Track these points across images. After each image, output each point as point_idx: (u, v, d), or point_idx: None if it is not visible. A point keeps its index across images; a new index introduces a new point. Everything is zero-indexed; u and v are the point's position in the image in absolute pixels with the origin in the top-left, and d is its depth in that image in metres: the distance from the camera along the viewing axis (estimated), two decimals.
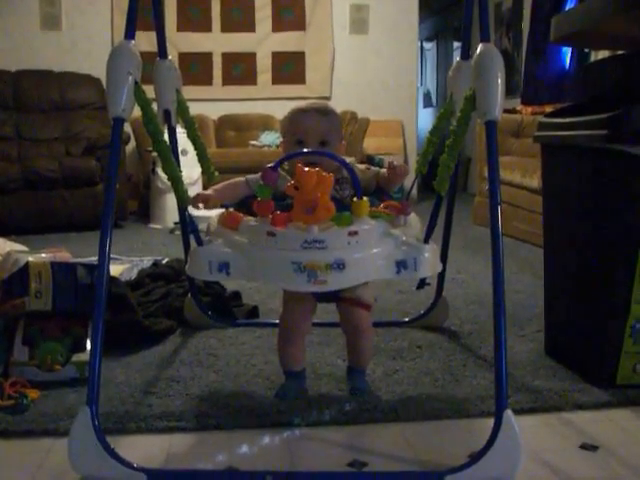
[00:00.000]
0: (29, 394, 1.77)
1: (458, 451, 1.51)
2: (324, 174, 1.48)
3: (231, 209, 1.68)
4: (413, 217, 1.71)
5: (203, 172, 2.18)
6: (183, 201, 1.73)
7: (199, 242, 1.67)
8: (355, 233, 1.51)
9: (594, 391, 1.83)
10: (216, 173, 2.12)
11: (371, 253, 1.55)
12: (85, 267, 2.08)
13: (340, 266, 1.49)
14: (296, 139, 1.74)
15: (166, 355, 2.17)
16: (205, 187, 2.19)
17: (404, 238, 1.59)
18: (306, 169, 1.48)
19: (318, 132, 1.73)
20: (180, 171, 1.71)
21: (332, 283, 1.51)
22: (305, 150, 1.67)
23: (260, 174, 1.59)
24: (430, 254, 1.60)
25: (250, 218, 1.61)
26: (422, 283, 2.22)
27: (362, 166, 1.81)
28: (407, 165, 1.75)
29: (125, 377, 1.97)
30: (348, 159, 1.74)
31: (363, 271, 1.56)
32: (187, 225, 1.99)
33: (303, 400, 1.79)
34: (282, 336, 1.83)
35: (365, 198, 1.55)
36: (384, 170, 1.80)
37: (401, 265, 1.56)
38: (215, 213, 1.76)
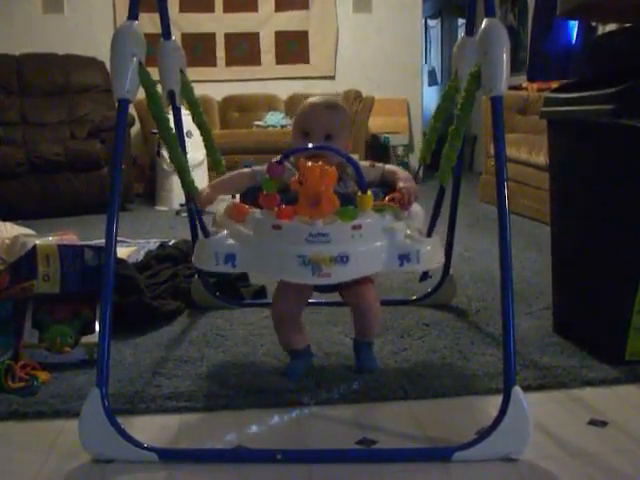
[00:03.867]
0: (40, 376, 1.79)
1: (467, 428, 1.52)
2: (327, 168, 1.50)
3: (237, 200, 1.68)
4: (416, 208, 1.73)
5: (210, 161, 2.17)
6: (190, 191, 1.72)
7: (204, 231, 1.67)
8: (359, 227, 1.53)
9: (602, 367, 1.83)
10: (223, 162, 2.12)
11: (374, 246, 1.57)
12: (92, 249, 2.09)
13: (344, 259, 1.51)
14: (302, 131, 1.74)
15: (174, 336, 2.18)
16: (210, 169, 2.20)
17: (407, 231, 1.60)
18: (309, 163, 1.49)
19: (324, 125, 1.73)
20: (186, 159, 1.70)
21: (335, 276, 1.53)
22: (310, 145, 1.66)
23: (266, 167, 1.59)
24: (432, 247, 1.62)
25: (256, 210, 1.62)
26: (425, 275, 2.23)
27: (366, 163, 1.81)
28: (414, 184, 1.74)
29: (134, 358, 1.98)
30: (352, 157, 1.75)
31: (366, 264, 1.58)
32: (193, 207, 1.98)
33: (312, 379, 1.80)
34: (277, 321, 1.83)
35: (369, 192, 1.56)
36: (389, 167, 1.82)
37: (404, 258, 1.58)
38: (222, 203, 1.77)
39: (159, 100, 1.64)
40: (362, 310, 1.83)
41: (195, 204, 1.74)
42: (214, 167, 2.16)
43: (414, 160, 6.52)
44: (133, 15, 1.57)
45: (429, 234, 1.68)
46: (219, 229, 1.67)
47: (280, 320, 1.82)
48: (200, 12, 6.40)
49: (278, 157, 1.60)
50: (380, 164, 1.84)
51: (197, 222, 1.76)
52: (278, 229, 1.53)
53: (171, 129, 1.68)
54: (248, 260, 1.58)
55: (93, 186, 4.91)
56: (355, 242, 1.53)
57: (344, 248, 1.51)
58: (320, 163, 1.51)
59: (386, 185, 1.77)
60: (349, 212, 1.52)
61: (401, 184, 1.71)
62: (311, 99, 1.84)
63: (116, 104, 1.55)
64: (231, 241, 1.60)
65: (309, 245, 1.51)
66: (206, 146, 2.14)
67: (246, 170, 1.81)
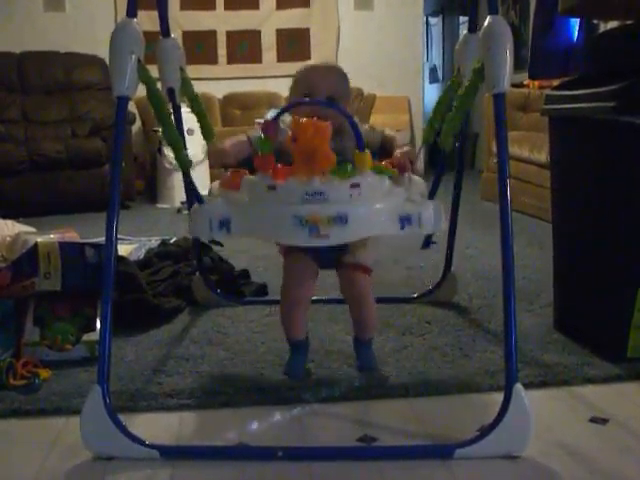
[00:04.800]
0: (41, 374, 1.79)
1: (468, 425, 1.52)
2: (321, 123, 1.45)
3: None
4: (417, 178, 1.68)
5: (203, 134, 2.14)
6: (184, 165, 1.70)
7: (198, 198, 1.66)
8: (357, 186, 1.47)
9: (604, 365, 1.83)
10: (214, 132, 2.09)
11: (374, 207, 1.51)
12: (93, 247, 2.09)
13: (342, 219, 1.45)
14: (303, 93, 1.70)
15: (175, 333, 2.18)
16: (211, 167, 2.19)
17: (407, 194, 1.56)
18: (302, 119, 1.45)
19: (325, 86, 1.69)
20: (184, 147, 1.69)
21: (334, 237, 1.48)
22: (306, 99, 1.63)
23: (261, 127, 1.55)
24: (434, 210, 1.57)
25: (251, 176, 1.57)
26: (428, 242, 2.17)
27: (366, 126, 1.77)
28: (412, 150, 1.70)
29: (135, 356, 1.98)
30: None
31: (366, 225, 1.52)
32: (193, 200, 1.96)
33: (313, 376, 1.80)
34: (285, 304, 1.81)
35: (367, 151, 1.51)
36: (389, 131, 1.78)
37: (405, 220, 1.53)
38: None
39: (158, 91, 1.63)
40: (357, 300, 1.81)
41: (209, 159, 1.70)
42: (204, 136, 2.12)
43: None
44: (132, 13, 1.57)
45: (431, 196, 1.65)
46: (214, 196, 1.64)
47: (288, 302, 1.79)
48: (201, 10, 6.39)
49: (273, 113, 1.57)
50: (380, 127, 1.80)
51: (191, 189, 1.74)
52: (273, 189, 1.47)
53: (169, 110, 1.67)
54: (243, 225, 1.54)
55: (94, 184, 4.90)
56: (354, 202, 1.47)
57: (342, 208, 1.46)
58: (314, 119, 1.46)
59: (384, 150, 1.73)
60: (346, 169, 1.47)
61: (398, 150, 1.67)
62: (311, 63, 1.82)
63: (115, 101, 1.55)
64: (225, 206, 1.56)
65: (306, 205, 1.45)
66: (197, 115, 2.10)
67: (242, 137, 1.73)
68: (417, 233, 1.60)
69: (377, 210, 1.52)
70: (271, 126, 1.52)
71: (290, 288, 1.79)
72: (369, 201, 1.50)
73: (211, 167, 4.86)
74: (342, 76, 1.77)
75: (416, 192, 1.61)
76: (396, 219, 1.53)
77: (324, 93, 1.68)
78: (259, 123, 1.73)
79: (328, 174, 1.47)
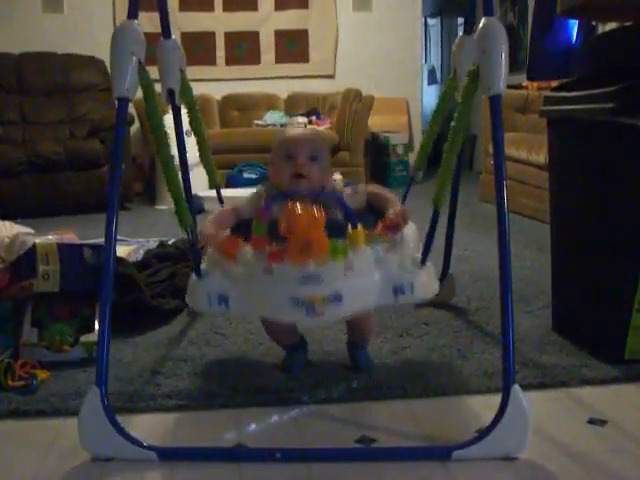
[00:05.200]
0: (39, 375, 1.79)
1: (466, 427, 1.52)
2: (315, 213, 1.48)
3: (227, 233, 1.68)
4: (409, 229, 1.71)
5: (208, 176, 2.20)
6: (183, 223, 1.71)
7: (197, 270, 1.70)
8: (350, 265, 1.53)
9: (602, 366, 1.83)
10: (219, 173, 2.15)
11: (367, 282, 1.58)
12: (92, 248, 2.09)
13: (337, 298, 1.52)
14: (286, 154, 1.70)
15: (174, 335, 2.18)
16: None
17: (399, 262, 1.60)
18: (297, 209, 1.47)
19: (308, 147, 1.70)
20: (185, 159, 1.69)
21: (330, 314, 1.55)
22: (295, 188, 1.65)
23: (251, 208, 1.64)
24: (427, 276, 1.64)
25: (247, 248, 1.59)
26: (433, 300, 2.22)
27: (348, 189, 1.76)
28: (404, 209, 1.69)
29: (133, 357, 1.98)
30: (336, 176, 1.75)
31: (360, 300, 1.59)
32: (192, 208, 1.96)
33: (311, 377, 1.80)
34: (268, 324, 1.82)
35: (359, 227, 1.55)
36: (371, 188, 1.79)
37: (398, 290, 1.59)
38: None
39: (156, 103, 1.64)
40: (356, 322, 1.81)
41: (194, 242, 1.72)
42: (210, 186, 2.18)
43: (414, 159, 6.50)
44: (133, 14, 1.57)
45: (423, 261, 1.68)
46: (211, 266, 1.68)
47: (270, 324, 1.81)
48: (200, 11, 6.40)
49: (264, 195, 1.64)
50: (362, 186, 1.80)
51: (192, 258, 1.79)
52: (270, 273, 1.53)
53: (170, 151, 1.68)
54: (241, 302, 1.62)
55: (93, 185, 4.90)
56: (348, 280, 1.53)
57: (337, 287, 1.52)
58: (307, 207, 1.48)
59: (373, 207, 1.74)
60: (340, 250, 1.51)
61: (391, 211, 1.66)
62: (289, 128, 1.86)
63: (115, 103, 1.55)
64: (224, 282, 1.62)
65: (301, 286, 1.51)
66: (202, 161, 2.15)
67: (227, 210, 1.78)
68: (411, 301, 1.68)
69: (370, 284, 1.58)
70: (265, 214, 1.56)
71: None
72: (362, 277, 1.56)
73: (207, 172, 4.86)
74: (321, 136, 1.84)
75: (409, 254, 1.65)
76: (390, 290, 1.59)
77: (306, 152, 1.69)
78: (258, 190, 1.78)
79: (321, 259, 1.51)
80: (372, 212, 1.73)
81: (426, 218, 1.72)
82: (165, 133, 1.65)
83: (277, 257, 1.52)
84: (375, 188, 1.81)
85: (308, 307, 1.52)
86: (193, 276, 1.74)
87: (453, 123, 1.64)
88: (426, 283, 1.63)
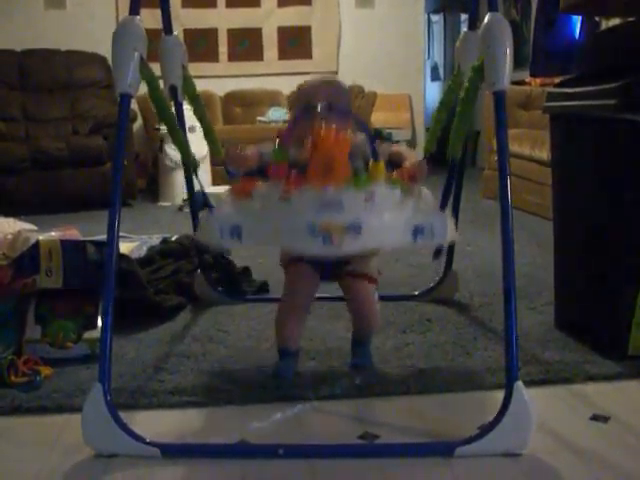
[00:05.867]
0: (42, 371, 1.79)
1: (469, 423, 1.52)
2: (343, 134, 1.45)
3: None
4: (426, 191, 1.67)
5: (210, 149, 2.17)
6: (193, 166, 1.70)
7: (208, 203, 1.65)
8: (372, 196, 1.46)
9: (605, 363, 1.83)
10: (222, 149, 2.11)
11: (388, 217, 1.49)
12: (95, 244, 2.09)
13: (356, 229, 1.44)
14: (304, 103, 1.69)
15: (177, 331, 2.18)
16: (213, 165, 2.23)
17: (420, 204, 1.56)
18: (324, 128, 1.44)
19: (327, 97, 1.66)
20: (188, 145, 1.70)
21: (347, 247, 1.45)
22: (325, 105, 1.58)
23: (276, 139, 1.55)
24: (446, 220, 1.56)
25: (263, 185, 1.55)
26: (438, 252, 2.17)
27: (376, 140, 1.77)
28: (422, 162, 1.67)
29: (136, 353, 1.98)
30: (360, 135, 1.71)
31: (379, 236, 1.50)
32: (195, 201, 1.97)
33: (314, 374, 1.80)
34: (283, 313, 1.81)
35: (381, 161, 1.51)
36: (396, 147, 1.77)
37: (418, 232, 1.51)
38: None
39: (160, 90, 1.64)
40: (361, 315, 1.82)
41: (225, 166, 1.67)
42: (214, 156, 2.15)
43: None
44: (135, 10, 1.57)
45: (442, 207, 1.65)
46: (224, 203, 1.61)
47: (287, 312, 1.80)
48: (202, 7, 6.39)
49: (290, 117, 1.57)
50: (387, 143, 1.80)
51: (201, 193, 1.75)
52: (287, 198, 1.46)
53: (172, 113, 1.68)
54: (255, 232, 1.51)
55: (95, 182, 4.89)
56: (368, 212, 1.46)
57: (357, 217, 1.44)
58: (334, 128, 1.45)
59: (392, 165, 1.69)
60: (362, 180, 1.47)
61: (408, 161, 1.65)
62: (309, 78, 1.83)
63: (118, 99, 1.55)
64: (237, 213, 1.54)
65: (320, 213, 1.43)
66: (206, 136, 2.13)
67: (253, 149, 1.71)
68: (429, 244, 1.61)
69: (390, 220, 1.50)
70: (287, 135, 1.51)
71: (290, 299, 1.80)
72: (383, 211, 1.49)
73: (212, 165, 4.87)
74: (341, 86, 1.80)
75: (427, 203, 1.61)
76: (409, 230, 1.51)
77: (324, 100, 1.63)
78: (274, 135, 1.74)
79: (343, 184, 1.46)
80: (392, 168, 1.67)
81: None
82: (172, 115, 1.65)
83: (296, 182, 1.46)
84: (400, 147, 1.78)
85: (325, 237, 1.42)
86: (204, 212, 1.67)
87: (459, 107, 1.63)
88: (446, 226, 1.55)
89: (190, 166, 1.72)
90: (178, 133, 1.67)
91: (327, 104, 1.59)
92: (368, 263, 1.78)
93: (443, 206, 1.70)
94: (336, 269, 1.77)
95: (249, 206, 1.54)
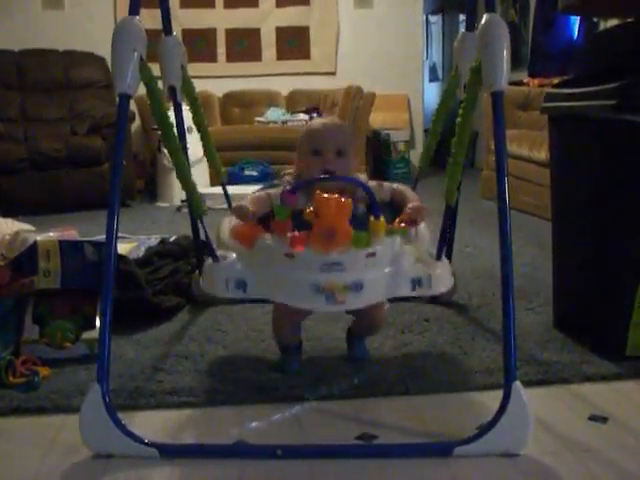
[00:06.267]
0: (40, 372, 1.79)
1: (467, 423, 1.52)
2: (343, 201, 1.48)
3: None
4: (422, 229, 1.73)
5: (211, 170, 2.22)
6: (197, 212, 1.75)
7: (213, 255, 1.70)
8: (373, 255, 1.54)
9: (603, 363, 1.83)
10: (223, 170, 2.15)
11: (387, 272, 1.58)
12: (93, 245, 2.09)
13: (358, 287, 1.53)
14: (312, 149, 1.70)
15: (175, 331, 2.18)
16: (211, 166, 2.25)
17: (417, 255, 1.63)
18: (325, 196, 1.48)
19: (335, 142, 1.70)
20: (187, 156, 1.70)
21: (350, 303, 1.56)
22: (324, 176, 1.65)
23: (279, 193, 1.59)
24: (443, 270, 1.66)
25: (265, 235, 1.59)
26: (433, 298, 2.25)
27: (374, 183, 1.77)
28: (422, 206, 1.68)
29: (135, 354, 1.98)
30: (360, 175, 1.76)
31: (380, 290, 1.60)
32: (194, 209, 1.96)
33: (312, 374, 1.80)
34: (279, 313, 1.80)
35: (382, 218, 1.56)
36: (397, 186, 1.80)
37: (416, 283, 1.62)
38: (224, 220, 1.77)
39: (160, 97, 1.64)
40: (368, 318, 1.82)
41: (237, 216, 1.66)
42: (214, 173, 2.18)
43: (415, 156, 6.51)
44: (134, 10, 1.57)
45: (438, 256, 1.69)
46: (226, 252, 1.67)
47: (285, 311, 1.77)
48: (201, 8, 6.39)
49: (291, 182, 1.61)
50: (387, 183, 1.82)
51: (204, 239, 1.79)
52: (291, 257, 1.52)
53: (172, 126, 1.68)
54: (259, 287, 1.61)
55: (94, 182, 4.89)
56: (368, 269, 1.55)
57: (358, 276, 1.53)
58: (336, 195, 1.49)
59: (394, 204, 1.75)
60: (363, 239, 1.52)
61: (409, 205, 1.68)
62: (316, 119, 1.85)
63: (117, 99, 1.55)
64: (242, 266, 1.62)
65: (323, 274, 1.52)
66: (205, 149, 2.15)
67: (262, 194, 1.73)
68: (427, 294, 1.70)
69: (390, 274, 1.59)
70: (290, 199, 1.55)
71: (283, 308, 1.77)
72: (383, 267, 1.58)
73: (211, 167, 4.86)
74: (347, 130, 1.81)
75: (424, 248, 1.68)
76: (408, 281, 1.61)
77: (333, 148, 1.69)
78: (283, 180, 1.76)
79: (344, 248, 1.51)
80: (393, 209, 1.74)
81: (431, 214, 1.72)
82: (171, 125, 1.66)
83: (300, 242, 1.50)
84: (401, 186, 1.82)
85: (328, 295, 1.52)
86: (209, 261, 1.73)
87: (459, 119, 1.64)
88: (442, 276, 1.65)
89: (192, 208, 1.74)
90: (178, 153, 1.68)
91: (335, 155, 1.67)
92: None
93: (440, 250, 1.74)
94: None
95: (254, 259, 1.60)
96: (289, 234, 1.52)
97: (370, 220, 1.55)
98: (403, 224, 1.63)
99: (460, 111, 1.67)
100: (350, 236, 1.50)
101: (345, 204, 1.49)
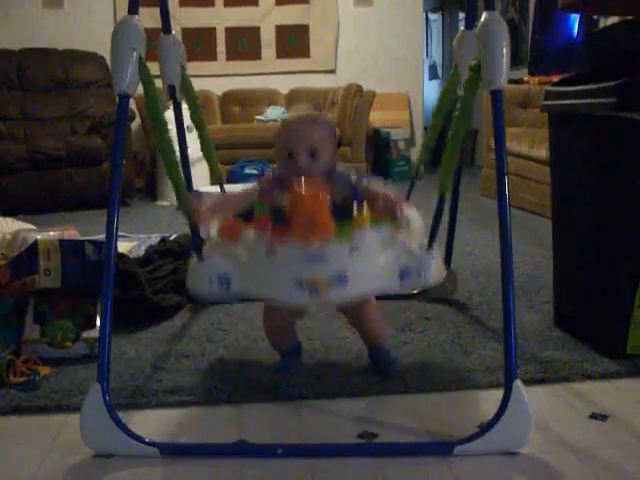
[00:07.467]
0: (41, 371, 1.79)
1: (468, 422, 1.52)
2: (319, 195, 1.46)
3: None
4: (415, 219, 1.66)
5: (209, 167, 2.22)
6: (182, 207, 1.73)
7: (199, 254, 1.69)
8: (357, 245, 1.51)
9: (603, 361, 1.83)
10: (221, 170, 2.15)
11: (373, 264, 1.54)
12: (93, 244, 2.09)
13: (342, 279, 1.49)
14: (287, 151, 1.61)
15: (175, 330, 2.18)
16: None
17: (406, 245, 1.58)
18: (302, 189, 1.46)
19: (308, 141, 1.59)
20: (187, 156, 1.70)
21: (334, 296, 1.52)
22: (302, 162, 1.58)
23: (257, 188, 1.59)
24: (434, 260, 1.60)
25: (249, 230, 1.59)
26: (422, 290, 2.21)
27: (353, 175, 1.68)
28: (400, 196, 1.62)
29: (135, 353, 1.98)
30: (344, 165, 1.71)
31: (365, 283, 1.56)
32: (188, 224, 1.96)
33: (312, 373, 1.80)
34: (268, 320, 1.79)
35: (365, 208, 1.53)
36: (372, 185, 1.66)
37: (405, 274, 1.56)
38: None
39: (157, 100, 1.64)
40: (365, 331, 1.80)
41: (188, 218, 1.70)
42: (213, 175, 2.18)
43: (415, 154, 6.51)
44: (133, 9, 1.57)
45: (429, 246, 1.66)
46: (212, 249, 1.66)
47: (274, 317, 1.78)
48: (200, 6, 6.38)
49: (270, 173, 1.60)
50: (364, 179, 1.68)
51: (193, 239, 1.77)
52: (273, 254, 1.51)
53: (166, 125, 1.68)
54: (243, 283, 1.59)
55: (94, 181, 4.89)
56: (353, 260, 1.51)
57: (341, 267, 1.50)
58: (312, 187, 1.47)
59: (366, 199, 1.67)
60: (346, 231, 1.50)
61: (380, 198, 1.57)
62: (290, 115, 1.80)
63: (116, 99, 1.55)
64: (225, 263, 1.60)
65: (305, 266, 1.49)
66: (205, 157, 2.16)
67: (241, 192, 1.70)
68: (418, 286, 1.65)
69: (376, 266, 1.55)
70: (268, 193, 1.54)
71: (272, 314, 1.76)
72: (368, 258, 1.53)
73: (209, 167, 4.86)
74: (321, 125, 1.66)
75: (415, 239, 1.62)
76: (396, 273, 1.55)
77: (306, 149, 1.59)
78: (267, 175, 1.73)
79: (326, 238, 1.49)
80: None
81: (429, 212, 1.72)
82: (165, 122, 1.66)
83: (280, 238, 1.50)
84: (375, 186, 1.66)
85: (312, 288, 1.49)
86: (194, 259, 1.73)
87: (456, 112, 1.63)
88: (433, 267, 1.59)
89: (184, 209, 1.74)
90: (175, 169, 1.68)
91: (308, 157, 1.59)
92: None
93: (432, 239, 1.71)
94: None
95: (237, 255, 1.59)
96: (269, 230, 1.51)
97: (353, 211, 1.53)
98: (384, 212, 1.57)
99: (458, 105, 1.66)
100: (331, 227, 1.47)
101: (321, 197, 1.46)
